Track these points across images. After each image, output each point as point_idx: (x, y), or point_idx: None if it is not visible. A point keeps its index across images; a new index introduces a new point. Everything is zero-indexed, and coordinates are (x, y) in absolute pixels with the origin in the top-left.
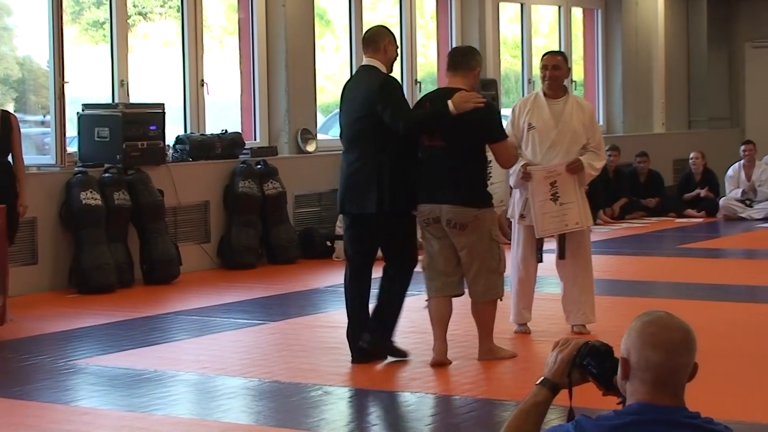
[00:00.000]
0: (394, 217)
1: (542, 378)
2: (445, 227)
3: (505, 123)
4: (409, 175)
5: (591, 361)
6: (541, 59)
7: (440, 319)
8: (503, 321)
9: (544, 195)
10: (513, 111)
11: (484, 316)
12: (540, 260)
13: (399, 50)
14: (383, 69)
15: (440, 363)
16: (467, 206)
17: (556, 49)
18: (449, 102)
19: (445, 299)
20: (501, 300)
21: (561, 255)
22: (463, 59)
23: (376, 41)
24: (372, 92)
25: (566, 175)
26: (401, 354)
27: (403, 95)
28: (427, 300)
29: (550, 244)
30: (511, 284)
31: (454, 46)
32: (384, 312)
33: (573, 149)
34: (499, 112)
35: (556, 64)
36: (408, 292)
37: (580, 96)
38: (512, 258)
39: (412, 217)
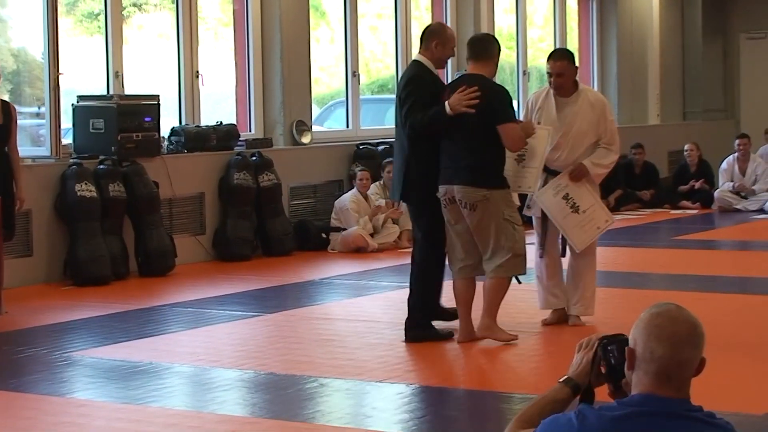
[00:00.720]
0: (419, 205)
1: (566, 377)
2: (460, 206)
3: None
4: (434, 169)
5: (615, 350)
6: (547, 61)
7: (463, 300)
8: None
9: (564, 211)
10: (526, 105)
11: (491, 291)
12: (563, 255)
13: (453, 49)
14: (429, 65)
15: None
16: (476, 186)
17: (551, 41)
18: (446, 103)
19: (467, 280)
20: (519, 279)
21: (563, 253)
22: (483, 49)
23: (428, 39)
24: (401, 88)
25: (573, 184)
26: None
27: (423, 93)
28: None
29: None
30: (534, 272)
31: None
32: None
33: (577, 150)
34: (508, 95)
35: (559, 72)
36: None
37: (592, 90)
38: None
39: (438, 206)
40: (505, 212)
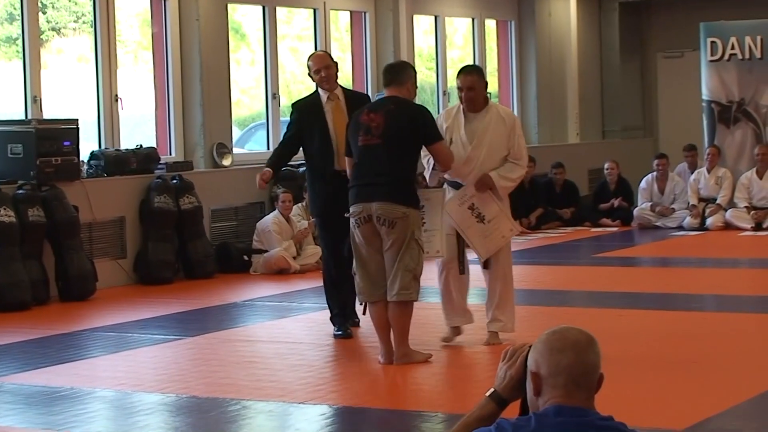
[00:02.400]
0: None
1: (491, 391)
2: (376, 224)
3: None
4: (322, 189)
5: None
6: (457, 77)
7: (379, 323)
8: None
9: (469, 220)
10: (437, 120)
11: (398, 318)
12: (462, 272)
13: (317, 72)
14: (321, 90)
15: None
16: (397, 203)
17: (470, 61)
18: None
19: (381, 304)
20: (416, 300)
21: (486, 264)
22: (394, 76)
23: None
24: None
25: (479, 195)
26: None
27: (290, 121)
28: (361, 304)
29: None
30: (440, 291)
31: (369, 58)
32: None
33: (488, 164)
34: (432, 114)
35: (470, 86)
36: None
37: (502, 106)
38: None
39: (321, 223)
40: (416, 232)
